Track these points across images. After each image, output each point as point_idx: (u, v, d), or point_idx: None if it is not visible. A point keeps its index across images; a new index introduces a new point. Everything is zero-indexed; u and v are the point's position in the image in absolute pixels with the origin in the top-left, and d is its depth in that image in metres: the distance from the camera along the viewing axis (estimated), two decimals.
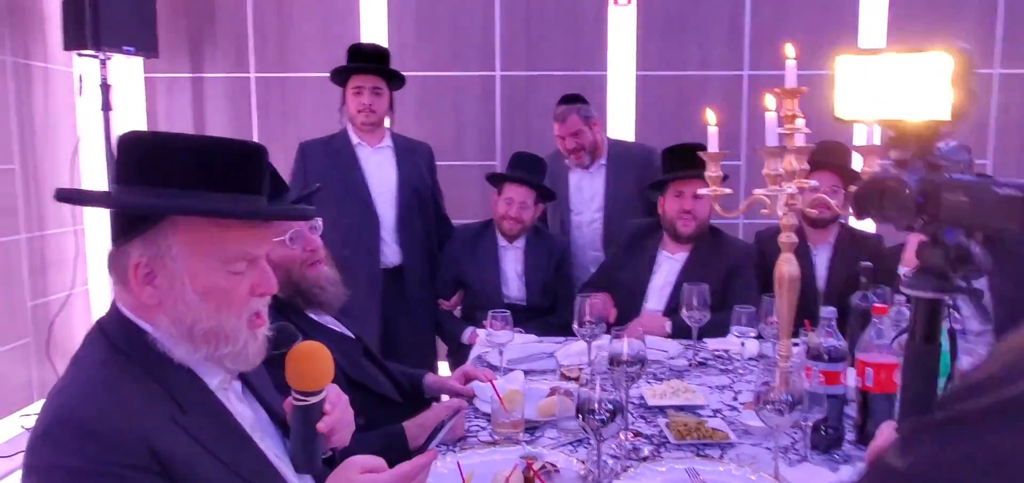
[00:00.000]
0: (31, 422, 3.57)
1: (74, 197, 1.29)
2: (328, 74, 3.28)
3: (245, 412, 1.28)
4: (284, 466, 1.29)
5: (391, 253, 3.27)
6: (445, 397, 2.29)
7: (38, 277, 3.90)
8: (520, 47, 4.36)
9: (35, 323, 3.87)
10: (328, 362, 1.32)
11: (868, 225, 4.06)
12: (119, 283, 1.18)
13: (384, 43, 4.12)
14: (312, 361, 1.31)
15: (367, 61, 3.25)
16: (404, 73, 3.33)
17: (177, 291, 1.15)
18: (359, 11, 4.34)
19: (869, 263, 2.21)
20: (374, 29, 4.33)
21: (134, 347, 1.16)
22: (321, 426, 1.31)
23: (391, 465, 1.26)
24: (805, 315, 2.40)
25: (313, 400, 1.30)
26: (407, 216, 3.27)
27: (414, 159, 3.36)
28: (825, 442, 1.74)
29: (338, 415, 1.35)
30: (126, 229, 1.16)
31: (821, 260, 2.97)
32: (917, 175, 1.02)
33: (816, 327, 1.88)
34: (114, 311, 1.20)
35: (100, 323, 1.21)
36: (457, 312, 3.38)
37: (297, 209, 1.36)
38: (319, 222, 1.97)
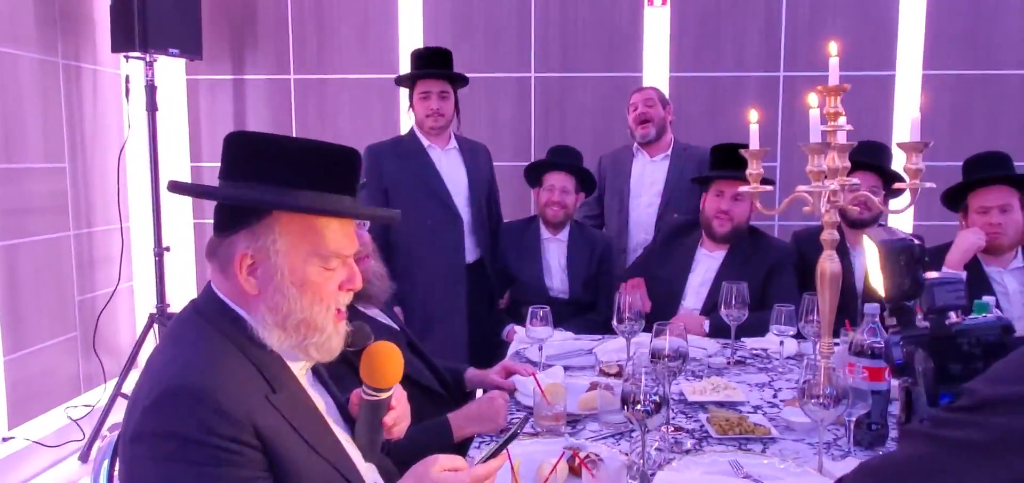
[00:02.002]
0: (78, 413, 3.72)
1: (188, 190, 1.35)
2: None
3: (318, 398, 1.35)
4: (353, 450, 1.36)
5: (470, 250, 3.36)
6: (479, 391, 2.34)
7: (85, 272, 4.02)
8: (555, 49, 4.39)
9: (82, 317, 3.98)
10: (401, 364, 1.40)
11: (906, 226, 4.04)
12: (220, 270, 1.24)
13: (420, 45, 4.17)
14: (388, 362, 1.39)
15: (433, 66, 3.31)
16: None
17: (276, 283, 1.21)
18: (397, 14, 4.41)
19: None
20: (411, 32, 4.39)
21: (230, 329, 1.22)
22: (387, 419, 1.41)
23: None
24: (844, 315, 2.40)
25: (383, 396, 1.39)
26: (480, 213, 3.38)
27: (477, 159, 3.45)
28: (869, 438, 1.75)
29: (401, 410, 1.46)
30: (232, 222, 1.22)
31: (859, 261, 2.95)
32: None
33: (856, 328, 1.88)
34: (211, 295, 1.26)
35: (195, 304, 1.28)
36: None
37: (388, 211, 1.43)
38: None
